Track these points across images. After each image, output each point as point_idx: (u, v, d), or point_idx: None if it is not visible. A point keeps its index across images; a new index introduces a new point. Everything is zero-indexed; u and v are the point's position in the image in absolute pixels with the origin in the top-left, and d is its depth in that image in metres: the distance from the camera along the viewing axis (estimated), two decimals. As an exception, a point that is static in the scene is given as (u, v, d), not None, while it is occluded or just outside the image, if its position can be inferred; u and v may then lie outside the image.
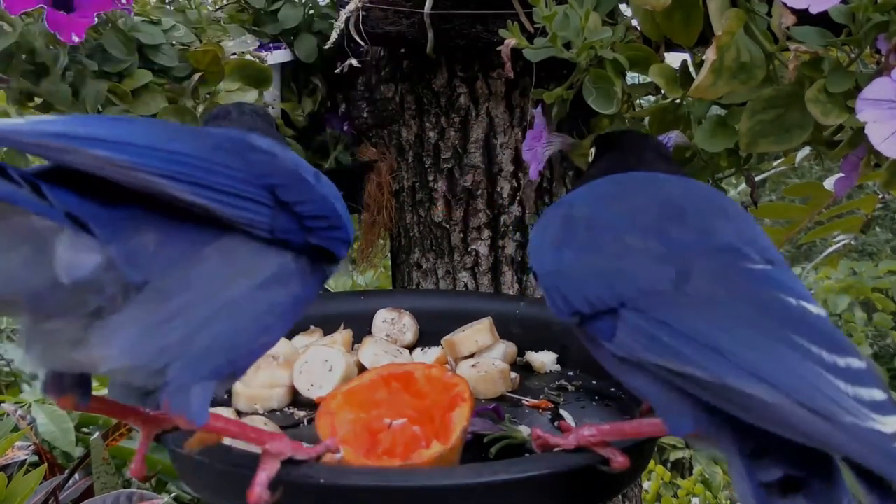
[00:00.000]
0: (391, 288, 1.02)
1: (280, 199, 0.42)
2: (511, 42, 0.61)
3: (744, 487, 0.38)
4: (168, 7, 0.81)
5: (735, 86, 0.54)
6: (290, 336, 0.69)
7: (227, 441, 0.46)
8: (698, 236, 0.44)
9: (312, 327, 0.72)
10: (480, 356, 0.67)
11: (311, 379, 0.61)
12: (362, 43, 0.81)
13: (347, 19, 0.80)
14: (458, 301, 0.77)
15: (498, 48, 0.63)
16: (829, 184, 0.77)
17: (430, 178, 0.91)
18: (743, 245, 0.44)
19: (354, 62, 0.83)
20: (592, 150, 0.60)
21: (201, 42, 0.77)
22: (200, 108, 0.75)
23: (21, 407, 1.21)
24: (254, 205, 0.41)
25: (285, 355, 0.64)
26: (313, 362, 0.62)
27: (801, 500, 0.37)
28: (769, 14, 0.54)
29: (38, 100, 0.71)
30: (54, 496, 0.98)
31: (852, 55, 0.52)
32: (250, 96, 0.78)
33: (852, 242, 1.03)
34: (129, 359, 0.38)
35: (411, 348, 0.71)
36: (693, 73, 0.60)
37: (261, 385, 0.62)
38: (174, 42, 0.75)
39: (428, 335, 0.72)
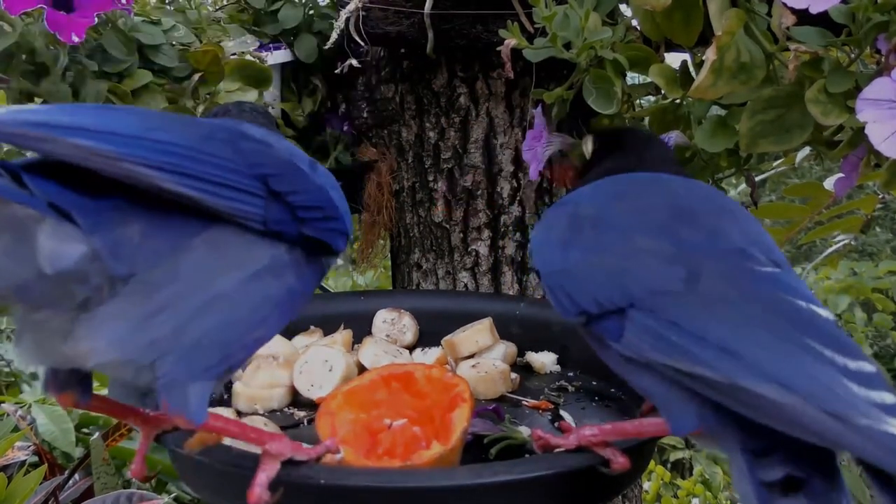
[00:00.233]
0: (391, 288, 1.02)
1: (272, 190, 0.41)
2: (511, 42, 0.61)
3: (745, 486, 0.38)
4: (168, 7, 0.81)
5: (735, 86, 0.54)
6: (290, 336, 0.69)
7: (227, 441, 0.46)
8: (707, 237, 0.44)
9: (312, 327, 0.72)
10: (480, 357, 0.67)
11: (311, 379, 0.61)
12: (362, 43, 0.81)
13: (347, 19, 0.80)
14: (458, 301, 0.77)
15: (498, 48, 0.63)
16: (829, 184, 0.77)
17: (430, 178, 0.91)
18: (749, 247, 0.44)
19: (354, 62, 0.83)
20: (590, 144, 0.59)
21: (201, 42, 0.77)
22: (200, 109, 0.75)
23: (21, 407, 1.20)
24: (245, 195, 0.40)
25: (285, 355, 0.64)
26: (313, 362, 0.62)
27: (802, 499, 0.37)
28: (769, 14, 0.54)
29: (38, 100, 0.71)
30: (54, 496, 0.98)
31: (852, 55, 0.52)
32: (250, 96, 0.78)
33: (852, 242, 1.03)
34: (117, 352, 0.38)
35: (411, 349, 0.71)
36: (693, 73, 0.60)
37: (261, 385, 0.62)
38: (174, 42, 0.75)
39: (428, 335, 0.72)
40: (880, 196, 0.91)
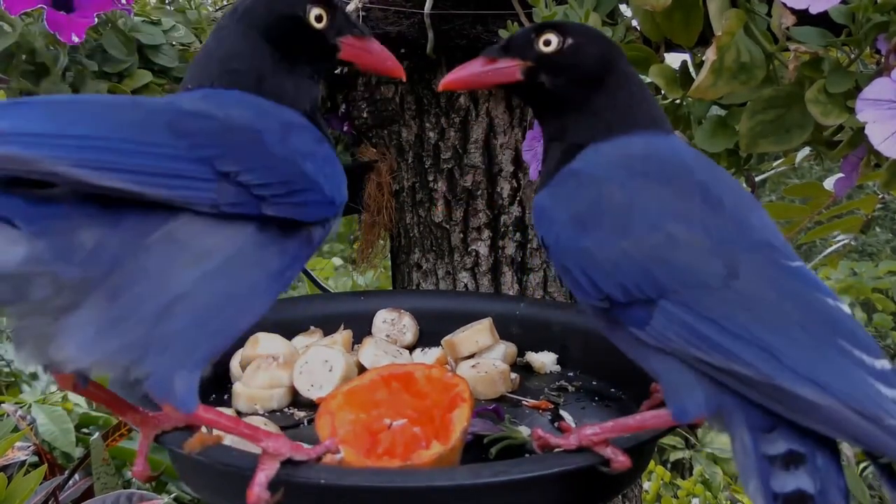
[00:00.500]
0: (391, 288, 1.02)
1: (219, 171, 0.39)
2: (511, 42, 0.61)
3: (746, 459, 0.39)
4: (168, 7, 0.81)
5: (735, 86, 0.54)
6: (290, 336, 0.69)
7: (227, 441, 0.46)
8: (738, 230, 0.44)
9: (312, 327, 0.72)
10: (480, 357, 0.67)
11: (311, 379, 0.61)
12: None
13: (347, 19, 0.80)
14: (458, 301, 0.77)
15: (498, 48, 0.63)
16: (829, 184, 0.77)
17: (430, 178, 0.91)
18: (774, 239, 0.44)
19: (354, 62, 0.83)
20: (545, 40, 0.49)
21: (201, 42, 0.77)
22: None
23: (21, 407, 1.21)
24: (189, 181, 0.38)
25: (285, 355, 0.64)
26: (313, 362, 0.62)
27: (802, 474, 0.38)
28: (769, 14, 0.54)
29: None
30: (54, 496, 0.98)
31: (852, 55, 0.52)
32: (250, 96, 0.78)
33: (852, 242, 1.03)
34: (91, 357, 0.38)
35: (411, 349, 0.71)
36: (693, 74, 0.60)
37: (261, 385, 0.62)
38: (174, 42, 0.75)
39: (428, 335, 0.72)
40: (880, 196, 0.91)
